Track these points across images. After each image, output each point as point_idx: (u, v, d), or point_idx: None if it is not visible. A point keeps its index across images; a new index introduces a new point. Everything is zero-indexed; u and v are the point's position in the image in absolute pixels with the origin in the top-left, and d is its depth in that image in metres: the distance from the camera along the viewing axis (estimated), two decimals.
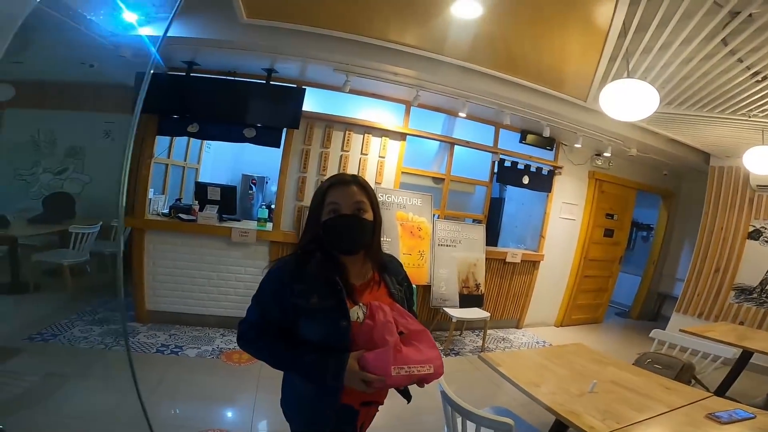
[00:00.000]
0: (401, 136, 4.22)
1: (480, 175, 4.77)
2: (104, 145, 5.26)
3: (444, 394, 1.63)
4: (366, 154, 4.10)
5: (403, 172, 4.29)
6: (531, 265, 5.01)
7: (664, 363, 2.36)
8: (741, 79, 2.79)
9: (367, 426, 1.21)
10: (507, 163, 4.60)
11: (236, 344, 1.28)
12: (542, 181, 4.82)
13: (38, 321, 3.40)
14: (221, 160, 5.57)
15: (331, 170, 3.96)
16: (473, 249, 4.49)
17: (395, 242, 4.10)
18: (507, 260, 4.76)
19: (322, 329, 1.07)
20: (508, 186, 5.54)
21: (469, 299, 4.34)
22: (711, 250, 4.80)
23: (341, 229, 1.12)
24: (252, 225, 3.98)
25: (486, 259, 4.53)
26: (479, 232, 4.58)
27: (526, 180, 4.69)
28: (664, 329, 3.31)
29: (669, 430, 1.49)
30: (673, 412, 1.61)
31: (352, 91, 3.70)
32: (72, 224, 4.22)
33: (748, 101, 3.10)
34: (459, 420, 1.60)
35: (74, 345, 3.10)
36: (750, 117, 3.34)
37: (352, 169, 4.03)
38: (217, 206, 3.91)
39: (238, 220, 4.11)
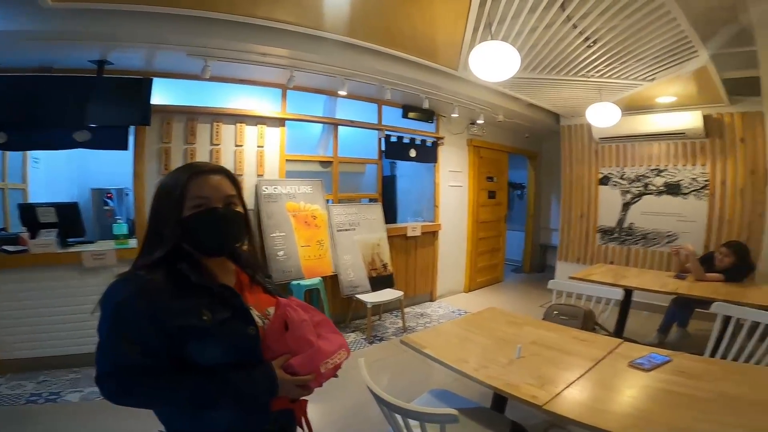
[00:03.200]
0: (280, 122, 3.84)
1: (368, 154, 4.65)
2: None
3: (376, 396, 1.44)
4: (241, 146, 3.63)
5: (287, 160, 3.93)
6: (431, 236, 5.12)
7: (569, 313, 2.53)
8: (576, 44, 3.06)
9: (306, 416, 1.07)
10: (393, 139, 4.55)
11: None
12: (428, 153, 4.90)
13: None
14: (58, 176, 4.51)
15: None
16: (374, 229, 4.39)
17: (290, 236, 3.75)
18: (408, 235, 4.78)
19: (226, 345, 0.89)
20: (398, 162, 5.54)
21: (379, 281, 4.24)
22: (573, 200, 5.46)
23: (217, 225, 0.96)
24: (110, 245, 3.26)
25: (388, 237, 4.46)
26: (377, 212, 4.48)
27: (413, 153, 4.71)
28: (552, 278, 3.63)
29: (602, 385, 1.52)
30: (598, 365, 1.66)
31: (215, 79, 3.23)
32: None
33: (584, 64, 3.44)
34: (401, 421, 1.42)
35: None
36: (588, 78, 3.76)
37: (227, 163, 3.53)
38: (56, 229, 3.10)
39: (91, 242, 3.37)
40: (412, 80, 3.67)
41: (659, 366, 1.64)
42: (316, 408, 1.08)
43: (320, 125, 4.35)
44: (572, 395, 1.42)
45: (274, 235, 3.66)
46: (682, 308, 3.46)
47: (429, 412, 1.32)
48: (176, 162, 3.34)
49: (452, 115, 4.60)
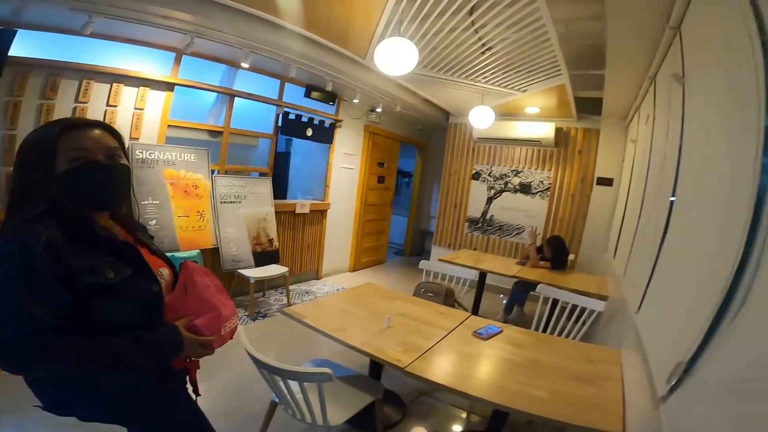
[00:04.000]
0: (168, 86, 3.52)
1: (264, 128, 4.53)
2: None
3: (257, 361, 1.55)
4: (115, 106, 3.24)
5: (169, 126, 3.63)
6: (320, 214, 5.25)
7: (434, 290, 2.93)
8: (473, 49, 3.42)
9: (196, 376, 1.15)
10: (291, 116, 4.51)
11: None
12: (325, 134, 4.98)
13: None
14: None
15: None
16: (261, 203, 4.33)
17: (166, 204, 3.51)
18: (297, 212, 4.83)
19: (133, 303, 0.91)
20: (294, 139, 5.48)
21: (264, 257, 4.22)
22: (450, 191, 6.11)
23: (99, 178, 0.92)
24: None
25: (276, 212, 4.46)
26: (266, 186, 4.43)
27: (310, 132, 4.74)
28: (429, 260, 4.10)
29: (452, 351, 1.87)
30: (450, 334, 2.02)
31: (99, 36, 2.88)
32: None
33: (475, 69, 3.88)
34: (281, 383, 1.56)
35: None
36: (475, 82, 4.26)
37: None
38: None
39: None
40: (320, 62, 3.69)
41: (494, 336, 2.07)
42: (201, 378, 1.15)
43: (215, 94, 4.08)
44: (427, 359, 1.73)
45: (146, 202, 3.38)
46: (521, 290, 4.24)
47: (305, 371, 1.49)
48: (26, 118, 2.85)
49: (354, 101, 4.74)
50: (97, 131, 0.94)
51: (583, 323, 2.59)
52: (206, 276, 1.08)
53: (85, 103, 3.08)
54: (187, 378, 1.14)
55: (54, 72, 2.91)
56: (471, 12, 2.84)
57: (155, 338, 0.91)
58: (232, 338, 1.09)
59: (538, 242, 4.20)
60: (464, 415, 2.53)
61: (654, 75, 2.80)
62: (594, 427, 1.32)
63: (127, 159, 1.01)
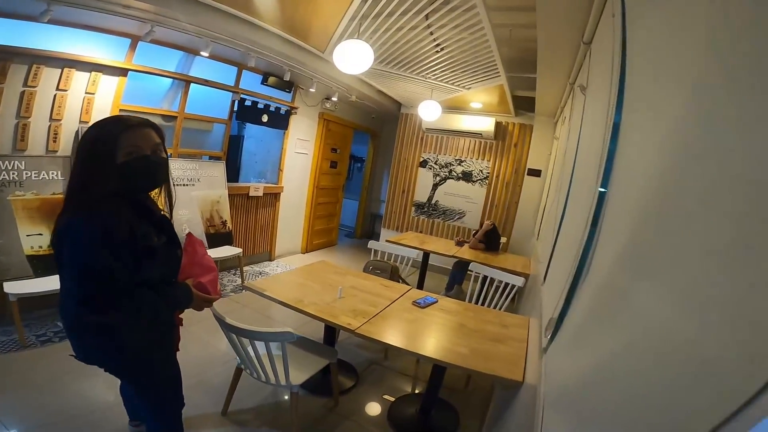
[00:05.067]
0: (121, 71, 3.52)
1: (218, 113, 4.59)
2: None
3: (226, 324, 1.77)
4: (65, 90, 3.22)
5: (121, 110, 3.63)
6: (273, 197, 5.42)
7: (381, 268, 3.29)
8: (427, 48, 3.68)
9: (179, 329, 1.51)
10: (248, 103, 4.61)
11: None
12: (280, 120, 5.11)
13: None
14: None
15: (5, 110, 2.92)
16: (214, 186, 4.45)
17: None
18: (250, 194, 4.97)
19: (166, 264, 1.24)
20: (247, 124, 5.54)
21: (217, 238, 4.37)
22: (399, 177, 6.49)
23: (148, 168, 1.19)
24: None
25: (229, 195, 4.59)
26: (219, 169, 4.53)
27: (265, 118, 4.86)
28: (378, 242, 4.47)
29: (394, 317, 2.21)
30: (393, 303, 2.37)
31: (54, 22, 2.85)
32: None
33: (427, 66, 4.18)
34: (249, 347, 1.83)
35: None
36: (426, 78, 4.59)
37: (43, 106, 3.11)
38: None
39: None
40: (281, 54, 3.84)
41: (430, 305, 2.46)
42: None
43: (169, 80, 4.09)
44: (374, 324, 2.08)
45: None
46: (460, 270, 4.74)
47: (271, 331, 1.77)
48: None
49: (310, 90, 4.90)
50: (146, 130, 1.20)
51: (507, 297, 3.08)
52: (201, 246, 1.43)
53: (34, 87, 3.05)
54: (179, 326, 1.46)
55: (2, 57, 2.86)
56: (427, 17, 3.06)
57: (175, 292, 1.24)
58: (220, 296, 1.41)
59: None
60: (410, 380, 2.93)
61: (573, 82, 3.24)
62: (503, 375, 1.69)
63: (165, 151, 1.27)
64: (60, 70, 3.16)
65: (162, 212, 1.29)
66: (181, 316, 1.41)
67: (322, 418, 2.36)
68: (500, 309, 3.02)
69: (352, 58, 2.75)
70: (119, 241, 1.08)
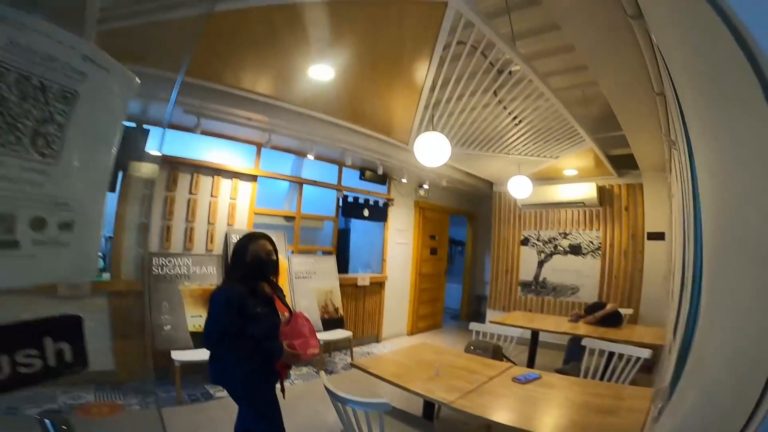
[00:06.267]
0: (252, 177, 4.40)
1: (327, 211, 5.27)
2: None
3: (330, 392, 1.92)
4: (216, 197, 4.12)
5: (255, 213, 4.45)
6: (378, 285, 5.71)
7: (483, 347, 3.19)
8: (505, 123, 3.81)
9: (284, 378, 2.00)
10: (350, 199, 5.23)
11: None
12: (379, 212, 5.62)
13: None
14: None
15: (178, 214, 3.85)
16: (327, 278, 4.91)
17: None
18: (358, 284, 5.34)
19: (267, 326, 1.83)
20: (351, 218, 6.19)
21: (331, 323, 4.70)
22: (500, 257, 6.35)
23: (267, 265, 1.93)
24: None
25: (340, 285, 4.98)
26: (331, 262, 5.04)
27: (366, 213, 5.40)
28: (483, 323, 4.33)
29: (488, 393, 2.12)
30: (491, 380, 2.29)
31: (204, 132, 3.69)
32: None
33: (508, 141, 4.31)
34: (351, 412, 1.94)
35: None
36: (510, 153, 4.69)
37: (201, 212, 3.99)
38: None
39: None
40: (371, 150, 4.44)
41: (532, 381, 2.29)
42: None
43: (288, 183, 4.96)
44: (469, 398, 2.02)
45: None
46: (577, 345, 4.24)
47: (368, 401, 1.85)
48: (157, 207, 3.75)
49: (402, 180, 5.41)
50: (262, 241, 1.90)
51: (630, 371, 2.69)
52: (306, 320, 1.92)
53: (195, 195, 3.93)
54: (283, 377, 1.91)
55: (173, 167, 3.78)
56: (496, 93, 3.22)
57: (270, 345, 1.76)
58: (310, 359, 1.87)
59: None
60: None
61: (668, 134, 3.06)
62: None
63: (277, 254, 1.96)
64: (212, 178, 4.04)
65: (268, 293, 1.91)
66: (285, 367, 1.89)
67: None
68: (624, 383, 2.64)
69: (432, 150, 2.94)
70: (233, 308, 1.71)
